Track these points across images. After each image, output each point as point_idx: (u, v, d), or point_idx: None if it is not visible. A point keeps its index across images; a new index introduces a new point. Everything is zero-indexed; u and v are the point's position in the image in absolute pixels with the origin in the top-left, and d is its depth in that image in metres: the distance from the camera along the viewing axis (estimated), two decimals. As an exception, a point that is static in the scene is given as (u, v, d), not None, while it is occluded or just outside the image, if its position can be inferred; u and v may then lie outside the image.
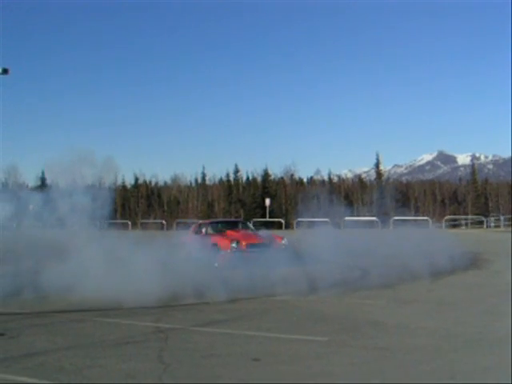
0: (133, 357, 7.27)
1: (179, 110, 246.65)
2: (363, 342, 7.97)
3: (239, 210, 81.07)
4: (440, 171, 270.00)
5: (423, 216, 53.94)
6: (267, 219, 54.00)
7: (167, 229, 52.94)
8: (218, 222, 23.34)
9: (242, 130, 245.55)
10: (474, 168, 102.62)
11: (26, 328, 9.24)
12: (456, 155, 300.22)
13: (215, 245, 18.45)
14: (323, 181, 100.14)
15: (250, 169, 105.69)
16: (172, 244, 18.46)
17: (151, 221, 66.93)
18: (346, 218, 43.05)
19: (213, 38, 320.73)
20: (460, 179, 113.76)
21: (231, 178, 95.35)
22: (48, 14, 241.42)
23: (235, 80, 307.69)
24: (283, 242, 19.36)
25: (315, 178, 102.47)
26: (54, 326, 9.54)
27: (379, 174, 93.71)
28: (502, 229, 46.63)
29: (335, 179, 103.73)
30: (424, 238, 21.87)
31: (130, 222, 53.59)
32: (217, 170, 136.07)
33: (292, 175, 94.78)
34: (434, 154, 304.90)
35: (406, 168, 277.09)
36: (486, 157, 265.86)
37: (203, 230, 20.54)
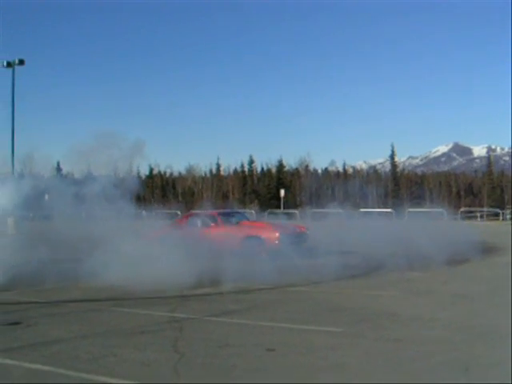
0: (148, 346, 7.32)
1: (194, 101, 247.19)
2: (378, 334, 7.95)
3: (254, 200, 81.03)
4: (455, 163, 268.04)
5: (438, 208, 53.63)
6: (282, 210, 53.91)
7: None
8: (221, 214, 20.75)
9: (257, 121, 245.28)
10: (489, 160, 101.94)
11: (43, 317, 9.32)
12: (472, 147, 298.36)
13: (253, 237, 18.02)
14: (338, 172, 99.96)
15: (265, 160, 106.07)
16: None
17: (166, 211, 66.97)
18: (361, 210, 42.94)
19: (228, 28, 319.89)
20: (476, 171, 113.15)
21: (246, 168, 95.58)
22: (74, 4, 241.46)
23: (251, 71, 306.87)
24: (307, 231, 19.86)
25: (330, 169, 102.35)
26: (71, 315, 9.62)
27: (394, 165, 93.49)
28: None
29: (350, 170, 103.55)
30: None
31: (144, 212, 53.60)
32: (231, 161, 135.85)
33: (307, 166, 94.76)
34: (450, 146, 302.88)
35: (421, 159, 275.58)
36: (502, 149, 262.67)
37: (198, 222, 19.37)
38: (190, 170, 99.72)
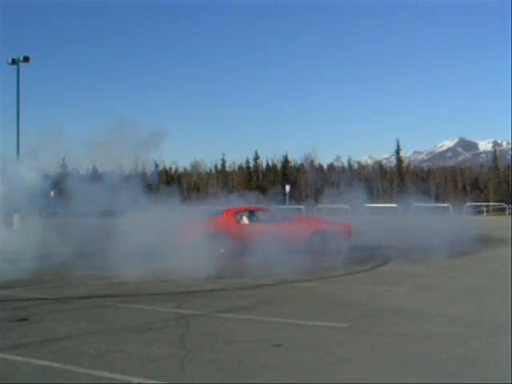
0: (154, 342, 7.33)
1: (199, 97, 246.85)
2: (384, 329, 7.95)
3: (259, 196, 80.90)
4: (461, 158, 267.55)
5: (444, 203, 53.55)
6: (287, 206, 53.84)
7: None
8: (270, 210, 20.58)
9: (262, 117, 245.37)
10: (495, 155, 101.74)
11: (50, 313, 9.35)
12: (477, 142, 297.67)
13: (322, 231, 17.93)
14: (343, 167, 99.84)
15: (270, 155, 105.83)
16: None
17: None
18: (366, 205, 42.82)
19: (236, 24, 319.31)
20: (481, 166, 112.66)
21: (251, 164, 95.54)
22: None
23: (256, 66, 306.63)
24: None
25: (335, 164, 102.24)
26: (78, 311, 9.64)
27: (400, 160, 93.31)
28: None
29: (355, 166, 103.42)
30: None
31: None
32: (237, 157, 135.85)
33: (312, 162, 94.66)
34: (455, 141, 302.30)
35: (426, 154, 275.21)
36: (508, 143, 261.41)
37: (253, 219, 18.71)
38: (195, 166, 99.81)
